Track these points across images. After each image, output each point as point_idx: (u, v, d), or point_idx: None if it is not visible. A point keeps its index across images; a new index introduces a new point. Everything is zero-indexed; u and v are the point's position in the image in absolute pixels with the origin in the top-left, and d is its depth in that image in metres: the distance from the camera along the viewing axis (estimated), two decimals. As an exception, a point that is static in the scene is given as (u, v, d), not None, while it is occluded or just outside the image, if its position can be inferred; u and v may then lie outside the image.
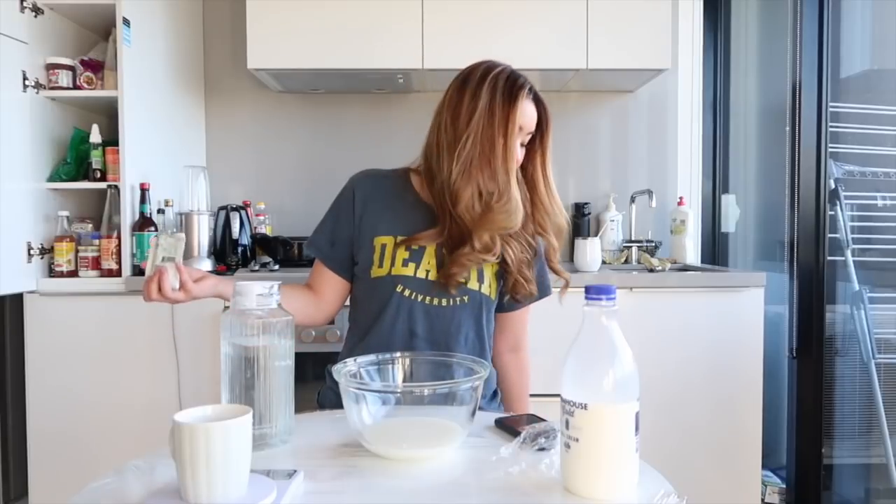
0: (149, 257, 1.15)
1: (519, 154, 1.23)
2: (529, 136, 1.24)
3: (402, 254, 1.24)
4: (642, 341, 2.04)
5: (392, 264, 1.24)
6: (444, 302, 1.25)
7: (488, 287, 1.27)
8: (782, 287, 2.23)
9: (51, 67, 2.07)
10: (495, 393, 1.37)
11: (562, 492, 0.79)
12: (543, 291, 1.34)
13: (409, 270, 1.24)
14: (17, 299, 2.07)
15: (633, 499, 0.77)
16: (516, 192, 1.20)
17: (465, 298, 1.25)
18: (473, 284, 1.25)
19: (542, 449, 0.90)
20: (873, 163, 2.17)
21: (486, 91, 1.20)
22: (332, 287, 1.32)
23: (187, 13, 2.54)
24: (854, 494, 2.27)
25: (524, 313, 1.39)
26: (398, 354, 1.08)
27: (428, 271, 1.25)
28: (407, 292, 1.25)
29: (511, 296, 1.30)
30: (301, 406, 1.07)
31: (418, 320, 1.25)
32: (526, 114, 1.21)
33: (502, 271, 1.27)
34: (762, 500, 2.19)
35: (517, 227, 1.22)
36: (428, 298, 1.25)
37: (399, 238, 1.25)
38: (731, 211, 2.74)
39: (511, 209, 1.19)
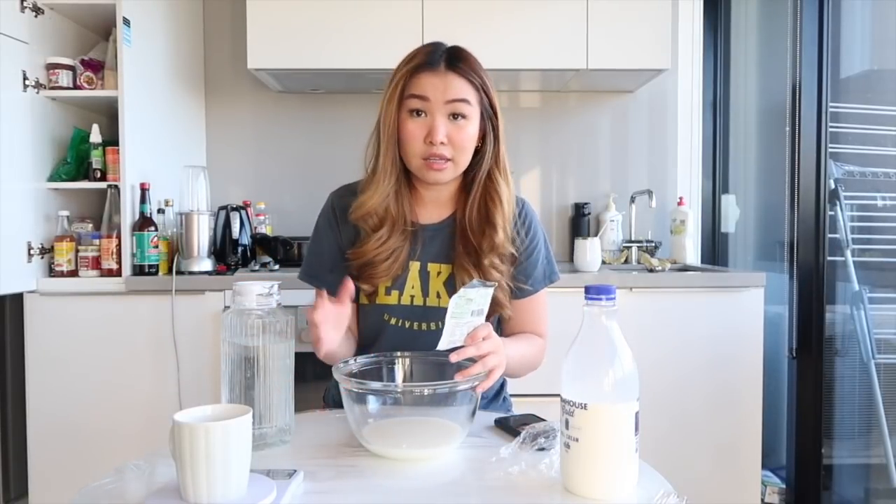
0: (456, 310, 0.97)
1: (441, 127, 1.12)
2: (456, 107, 1.12)
3: (385, 281, 1.19)
4: (642, 341, 2.04)
5: (375, 292, 1.19)
6: (432, 326, 1.20)
7: None
8: (782, 287, 2.23)
9: (51, 67, 2.07)
10: (500, 390, 1.33)
11: (562, 492, 0.79)
12: (537, 284, 1.25)
13: (392, 299, 1.20)
14: (17, 299, 2.07)
15: (633, 499, 0.77)
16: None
17: None
18: None
19: (541, 449, 0.90)
20: (873, 163, 2.17)
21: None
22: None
23: (187, 13, 2.53)
24: (854, 494, 2.26)
25: (529, 303, 1.26)
26: (398, 354, 1.07)
27: (412, 296, 1.20)
28: (394, 321, 1.20)
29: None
30: (303, 406, 1.07)
31: (409, 347, 1.18)
32: (419, 83, 1.12)
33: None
34: (762, 500, 2.19)
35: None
36: (416, 324, 1.21)
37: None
38: (731, 211, 2.73)
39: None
